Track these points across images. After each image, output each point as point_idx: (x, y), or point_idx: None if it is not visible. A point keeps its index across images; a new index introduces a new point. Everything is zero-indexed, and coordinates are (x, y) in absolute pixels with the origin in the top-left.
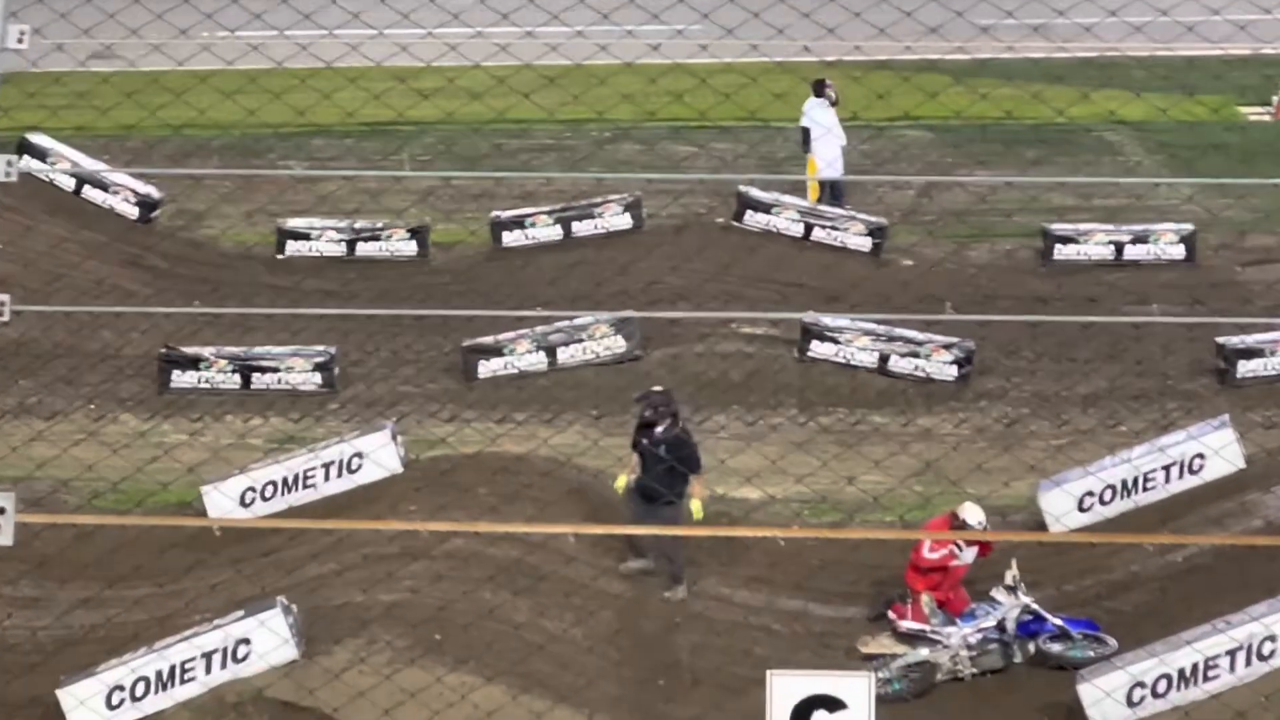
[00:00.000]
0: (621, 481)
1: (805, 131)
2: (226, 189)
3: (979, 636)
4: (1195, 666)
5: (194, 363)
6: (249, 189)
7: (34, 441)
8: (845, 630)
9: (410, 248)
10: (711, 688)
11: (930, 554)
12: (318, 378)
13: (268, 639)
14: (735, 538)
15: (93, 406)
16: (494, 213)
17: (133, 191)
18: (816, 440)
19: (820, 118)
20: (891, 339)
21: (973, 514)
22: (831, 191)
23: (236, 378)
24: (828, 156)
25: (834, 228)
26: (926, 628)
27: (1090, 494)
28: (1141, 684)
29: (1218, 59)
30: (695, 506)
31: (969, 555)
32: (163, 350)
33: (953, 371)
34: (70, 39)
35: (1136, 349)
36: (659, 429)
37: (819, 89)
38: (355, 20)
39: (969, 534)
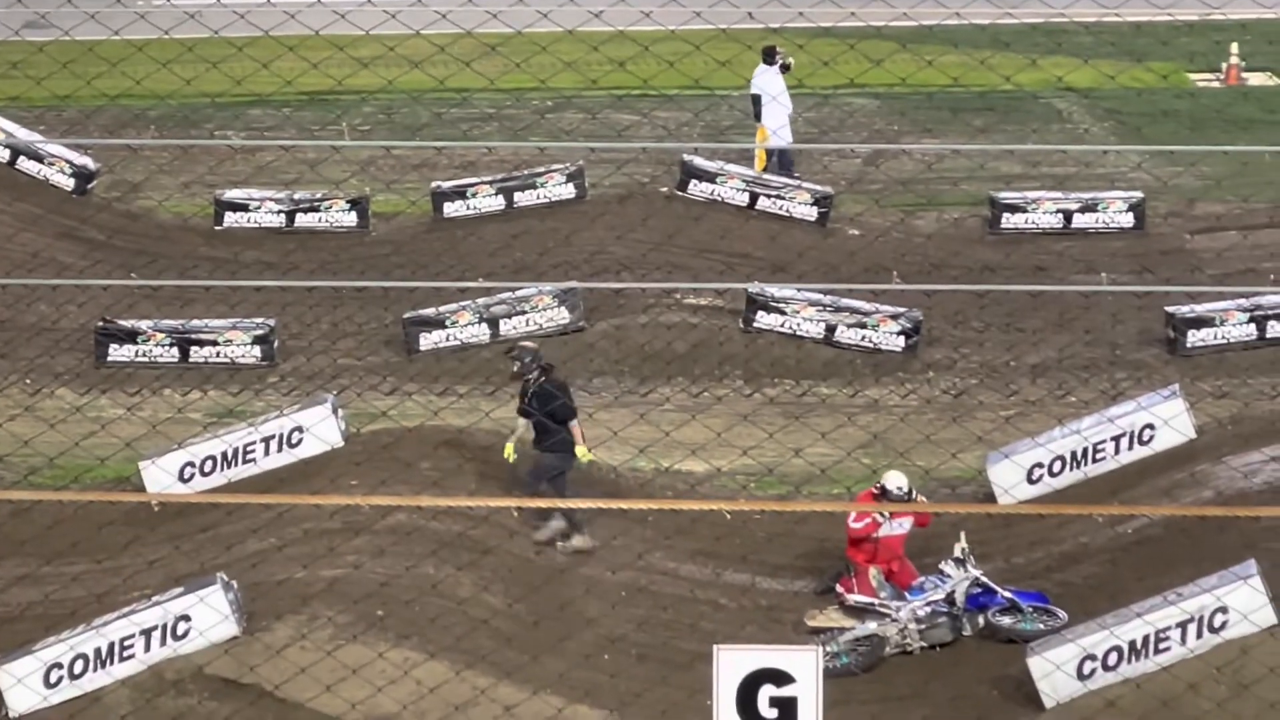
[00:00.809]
0: (509, 450)
1: (756, 99)
2: (164, 160)
3: (928, 610)
4: (1146, 639)
5: (131, 336)
6: (186, 160)
7: None
8: (793, 604)
9: (350, 219)
10: (657, 662)
11: (854, 524)
12: (257, 351)
13: (208, 615)
14: (681, 511)
15: (28, 380)
16: (435, 183)
17: (68, 163)
18: (762, 412)
19: (768, 84)
20: (838, 309)
21: (892, 480)
22: (779, 161)
23: (174, 351)
24: (773, 124)
25: (779, 197)
26: (874, 601)
27: (1039, 465)
28: (1092, 656)
29: (1166, 25)
30: (580, 452)
31: (905, 523)
32: (99, 323)
33: (900, 342)
34: (4, 8)
35: (1085, 318)
36: (528, 383)
37: (769, 56)
38: None
39: (927, 506)
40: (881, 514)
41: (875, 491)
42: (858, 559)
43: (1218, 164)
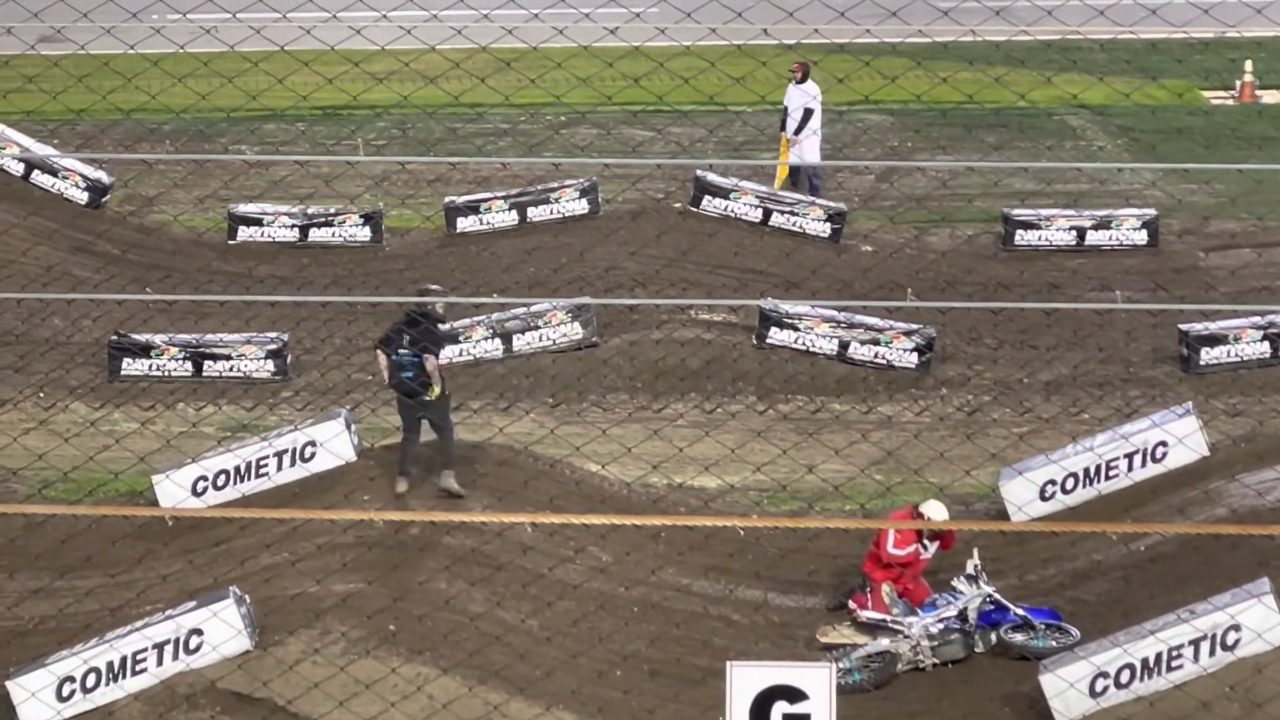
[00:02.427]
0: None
1: (785, 110)
2: (178, 174)
3: (940, 626)
4: (1159, 656)
5: (145, 350)
6: (200, 174)
7: None
8: (805, 620)
9: (364, 233)
10: (670, 679)
11: (895, 550)
12: (270, 365)
13: (220, 630)
14: (693, 527)
15: (42, 394)
16: (449, 198)
17: (82, 176)
18: (776, 428)
19: (790, 98)
20: (851, 325)
21: (938, 513)
22: (809, 185)
23: (188, 365)
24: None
25: (793, 213)
26: (887, 617)
27: (1052, 482)
28: (1105, 674)
29: (1180, 42)
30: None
31: (932, 549)
32: (113, 337)
33: (913, 359)
34: (19, 22)
35: (1099, 336)
36: None
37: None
38: (309, 3)
39: (928, 524)
40: (924, 544)
41: (912, 514)
42: (876, 575)
43: (1232, 182)
